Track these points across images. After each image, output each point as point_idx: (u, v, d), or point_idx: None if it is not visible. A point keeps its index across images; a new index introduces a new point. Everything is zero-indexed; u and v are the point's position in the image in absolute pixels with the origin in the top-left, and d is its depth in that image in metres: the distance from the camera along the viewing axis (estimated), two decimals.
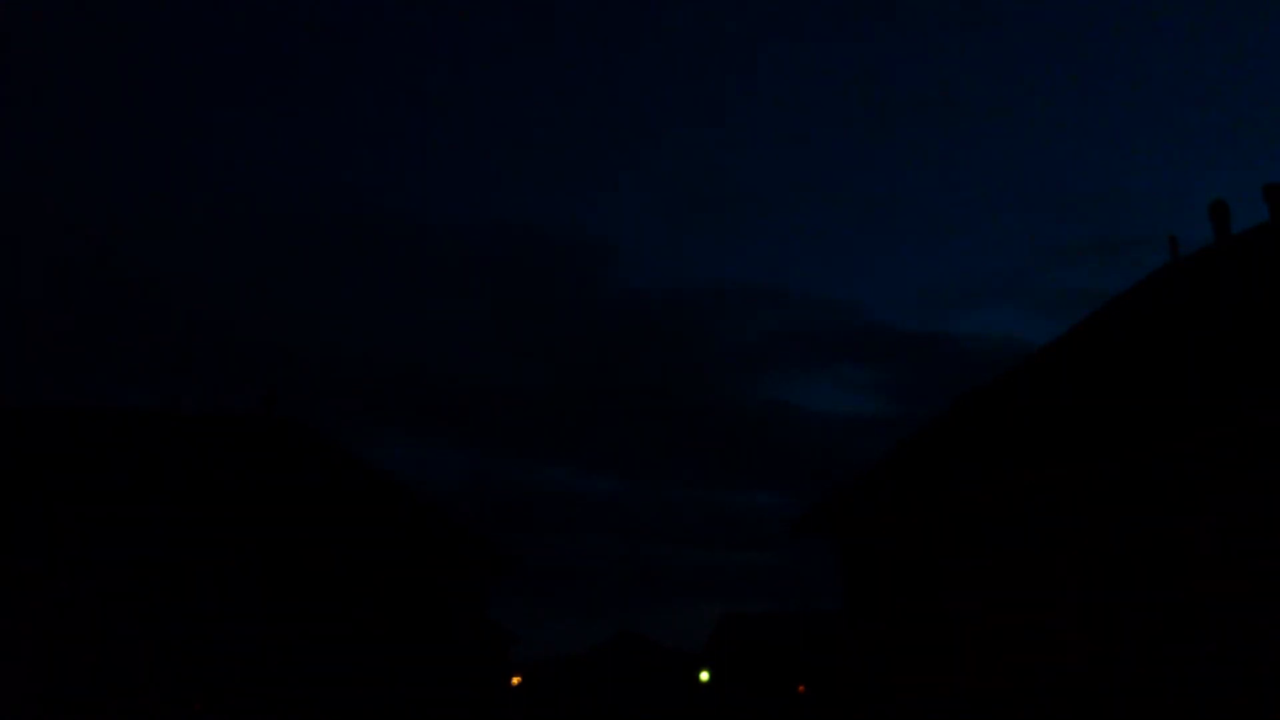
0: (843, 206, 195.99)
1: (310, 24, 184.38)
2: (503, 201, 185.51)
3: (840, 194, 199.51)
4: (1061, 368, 14.56)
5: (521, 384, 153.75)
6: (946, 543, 13.17)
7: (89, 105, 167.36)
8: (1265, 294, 12.21)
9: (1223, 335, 11.88)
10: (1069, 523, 11.54)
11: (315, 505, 19.05)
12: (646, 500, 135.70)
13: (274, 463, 20.58)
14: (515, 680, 49.35)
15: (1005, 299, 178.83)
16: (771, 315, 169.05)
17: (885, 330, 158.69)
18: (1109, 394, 12.54)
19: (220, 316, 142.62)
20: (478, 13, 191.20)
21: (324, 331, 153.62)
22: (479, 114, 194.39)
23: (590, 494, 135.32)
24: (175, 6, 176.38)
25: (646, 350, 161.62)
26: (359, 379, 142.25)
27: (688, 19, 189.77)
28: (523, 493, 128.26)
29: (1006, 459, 12.71)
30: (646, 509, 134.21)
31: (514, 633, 35.59)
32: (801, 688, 57.57)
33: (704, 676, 62.99)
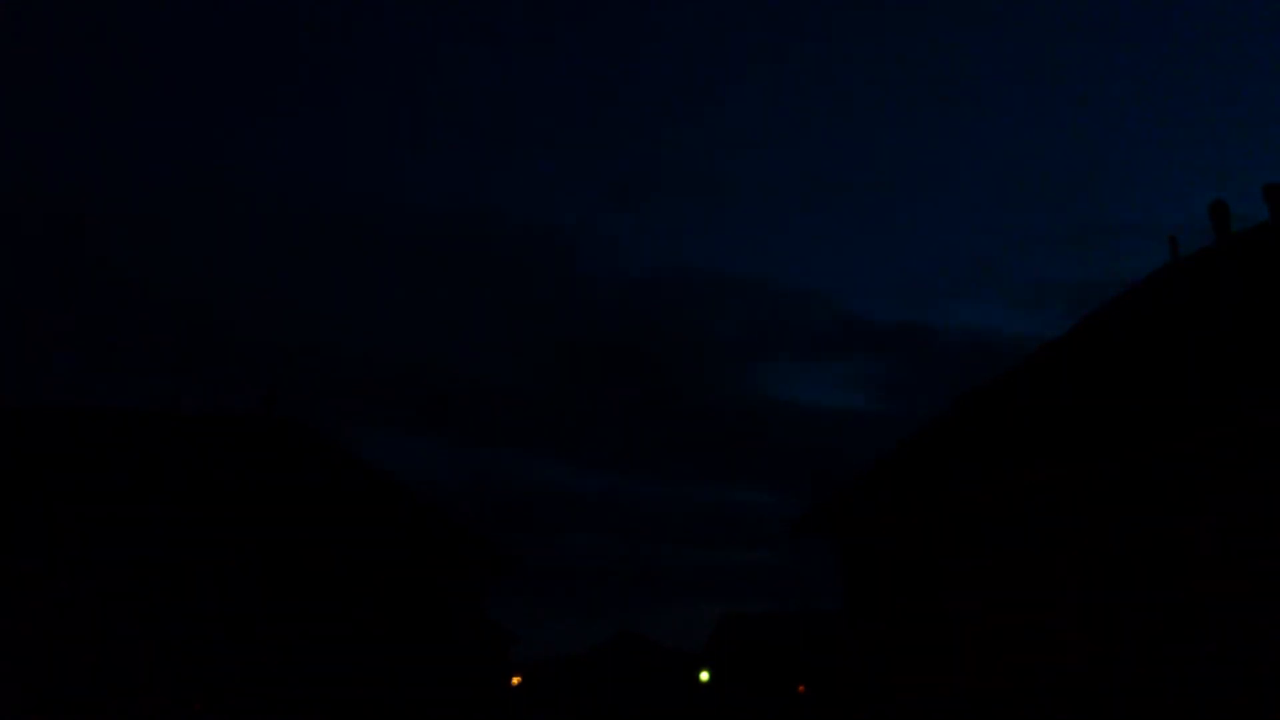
0: (815, 197, 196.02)
1: (310, 24, 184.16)
2: (501, 197, 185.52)
3: (813, 185, 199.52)
4: (1061, 368, 14.56)
5: (517, 382, 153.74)
6: (946, 543, 13.17)
7: (88, 105, 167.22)
8: (1265, 294, 12.20)
9: (1223, 335, 11.87)
10: (1069, 523, 11.54)
11: (315, 505, 19.04)
12: (644, 498, 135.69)
13: (274, 463, 20.57)
14: (515, 680, 49.31)
15: (981, 290, 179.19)
16: (742, 306, 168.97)
17: (862, 323, 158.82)
18: (1109, 394, 12.54)
19: (220, 316, 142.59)
20: (476, 10, 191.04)
21: (324, 331, 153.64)
22: (464, 109, 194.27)
23: (588, 493, 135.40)
24: (173, 8, 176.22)
25: (627, 343, 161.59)
26: (359, 379, 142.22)
27: (668, 10, 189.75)
28: (522, 492, 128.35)
29: (1006, 459, 12.70)
30: (643, 506, 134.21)
31: (514, 633, 35.55)
32: (801, 688, 57.56)
33: (704, 676, 62.99)
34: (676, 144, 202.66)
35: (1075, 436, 11.74)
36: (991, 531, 12.57)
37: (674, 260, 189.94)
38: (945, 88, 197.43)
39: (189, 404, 24.05)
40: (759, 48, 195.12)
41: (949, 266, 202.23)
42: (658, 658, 67.05)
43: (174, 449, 20.22)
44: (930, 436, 15.32)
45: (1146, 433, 10.64)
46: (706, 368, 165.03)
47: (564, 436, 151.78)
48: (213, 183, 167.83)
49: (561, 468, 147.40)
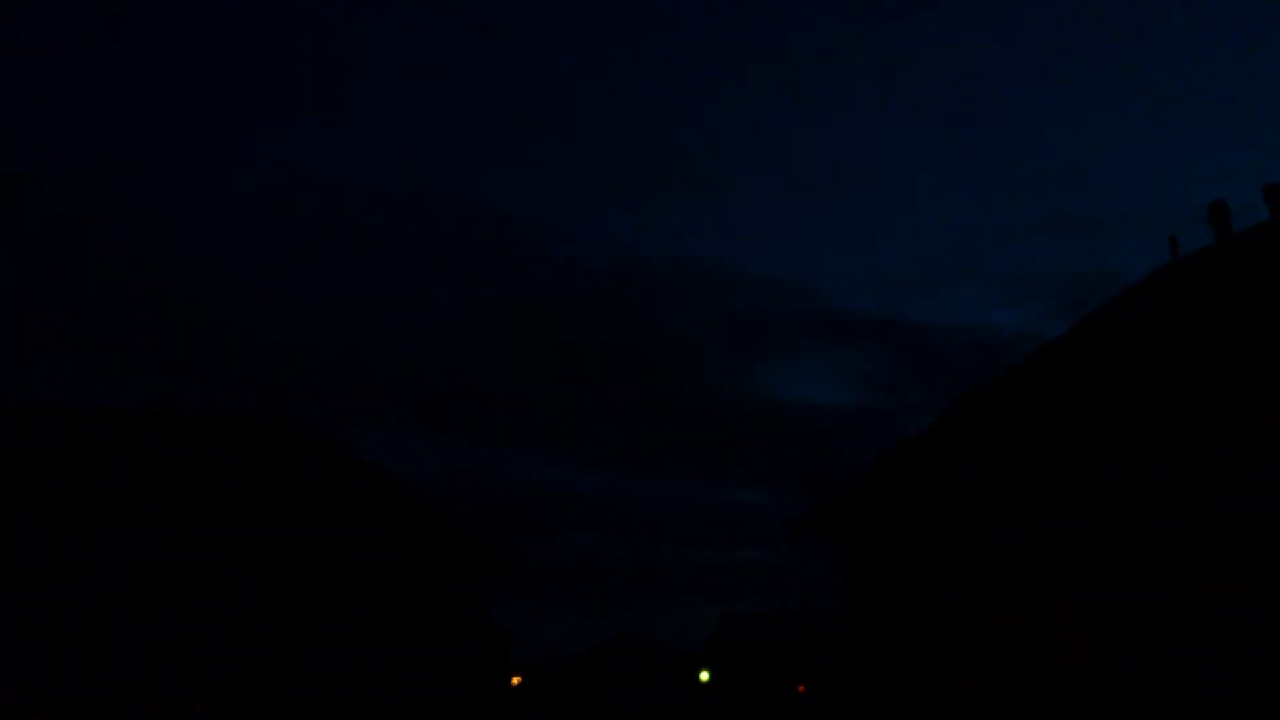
0: (796, 188, 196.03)
1: (311, 25, 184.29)
2: (501, 197, 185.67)
3: (793, 175, 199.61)
4: (1061, 367, 14.56)
5: (517, 382, 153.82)
6: (946, 543, 13.17)
7: (88, 105, 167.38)
8: (1265, 294, 12.21)
9: (1223, 335, 11.88)
10: (1069, 523, 11.54)
11: (315, 505, 19.05)
12: (644, 498, 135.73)
13: (274, 463, 20.58)
14: (515, 680, 49.30)
15: (964, 281, 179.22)
16: (734, 302, 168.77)
17: (846, 316, 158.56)
18: (1109, 394, 12.54)
19: (220, 316, 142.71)
20: (476, 8, 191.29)
21: (324, 331, 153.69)
22: (464, 109, 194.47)
23: (588, 493, 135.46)
24: (171, 8, 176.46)
25: (626, 342, 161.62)
26: (359, 379, 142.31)
27: (663, 6, 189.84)
28: (522, 492, 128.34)
29: (1006, 459, 12.71)
30: (643, 506, 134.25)
31: (514, 633, 35.52)
32: (801, 688, 57.57)
33: (704, 676, 63.01)
34: (672, 142, 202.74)
35: (1075, 436, 11.74)
36: (991, 531, 12.57)
37: (672, 257, 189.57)
38: (944, 85, 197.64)
39: (189, 404, 24.10)
40: (753, 46, 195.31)
41: (936, 259, 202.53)
42: (658, 658, 67.07)
43: (174, 449, 20.23)
44: (930, 436, 15.32)
45: (1146, 433, 10.65)
46: (703, 366, 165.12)
47: (564, 436, 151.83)
48: (213, 182, 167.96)
49: (561, 468, 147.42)
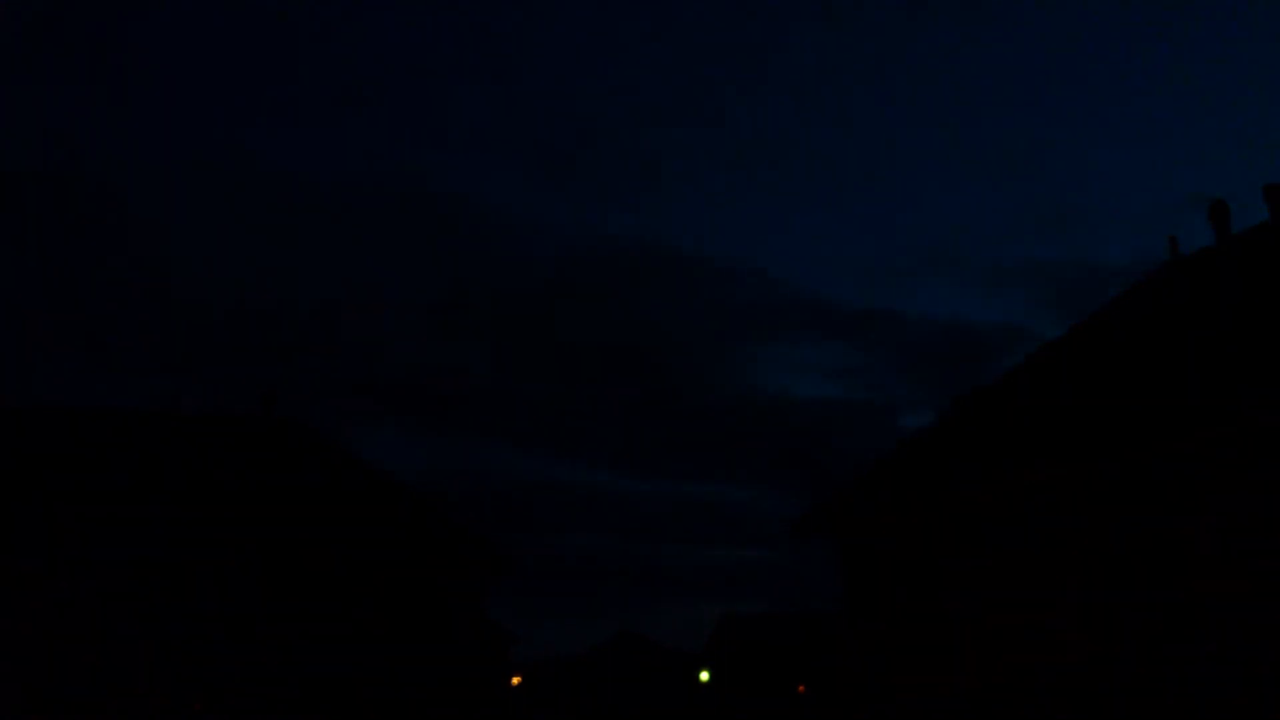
0: (774, 178, 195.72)
1: (311, 26, 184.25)
2: (501, 196, 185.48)
3: (773, 166, 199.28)
4: (1061, 367, 14.56)
5: (516, 382, 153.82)
6: (946, 543, 13.17)
7: (88, 105, 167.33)
8: (1265, 294, 12.21)
9: (1223, 335, 11.88)
10: (1069, 523, 11.54)
11: (315, 505, 19.04)
12: (644, 498, 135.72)
13: (274, 463, 20.57)
14: (515, 680, 49.32)
15: (944, 272, 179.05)
16: (713, 294, 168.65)
17: (830, 307, 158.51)
18: (1109, 394, 12.54)
19: (220, 316, 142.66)
20: (475, 10, 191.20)
21: (324, 331, 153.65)
22: (463, 109, 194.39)
23: (588, 492, 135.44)
24: (170, 8, 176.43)
25: (624, 341, 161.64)
26: (359, 379, 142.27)
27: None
28: (522, 492, 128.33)
29: (1006, 459, 12.70)
30: (643, 506, 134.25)
31: (514, 633, 35.59)
32: (801, 688, 57.58)
33: (704, 676, 62.99)
34: (619, 119, 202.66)
35: (1075, 436, 11.74)
36: (991, 531, 12.57)
37: (671, 256, 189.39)
38: (932, 82, 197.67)
39: (189, 404, 24.12)
40: (745, 47, 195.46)
41: (916, 251, 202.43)
42: (658, 658, 67.07)
43: (174, 449, 20.23)
44: (930, 436, 15.32)
45: (1146, 433, 10.64)
46: (700, 363, 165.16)
47: (564, 436, 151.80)
48: (213, 182, 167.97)
49: (561, 467, 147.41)
